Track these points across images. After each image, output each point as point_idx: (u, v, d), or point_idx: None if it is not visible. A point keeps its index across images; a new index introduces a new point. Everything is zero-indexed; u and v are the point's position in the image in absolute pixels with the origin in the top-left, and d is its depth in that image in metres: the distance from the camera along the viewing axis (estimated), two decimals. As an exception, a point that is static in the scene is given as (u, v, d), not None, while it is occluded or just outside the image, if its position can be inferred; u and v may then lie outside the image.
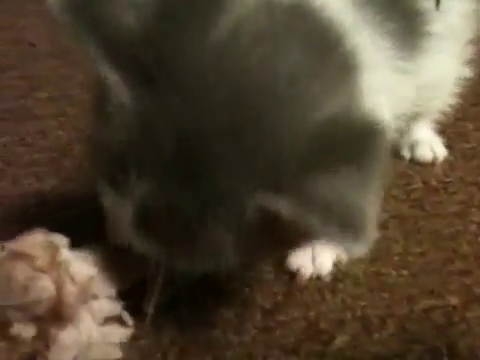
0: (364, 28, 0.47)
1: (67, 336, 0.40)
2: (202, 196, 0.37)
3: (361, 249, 0.36)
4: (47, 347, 0.40)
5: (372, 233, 0.37)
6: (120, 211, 0.40)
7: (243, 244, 0.39)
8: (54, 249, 0.41)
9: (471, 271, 0.53)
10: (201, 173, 0.37)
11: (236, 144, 0.37)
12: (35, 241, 0.41)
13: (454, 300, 0.50)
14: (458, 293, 0.50)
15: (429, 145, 0.72)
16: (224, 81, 0.38)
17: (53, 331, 0.40)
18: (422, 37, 0.55)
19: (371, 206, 0.38)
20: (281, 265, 0.52)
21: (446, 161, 0.72)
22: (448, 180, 0.68)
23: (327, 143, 0.38)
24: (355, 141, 0.39)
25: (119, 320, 0.44)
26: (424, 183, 0.67)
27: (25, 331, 0.40)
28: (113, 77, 0.38)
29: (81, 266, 0.41)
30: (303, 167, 0.37)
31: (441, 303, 0.49)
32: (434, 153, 0.72)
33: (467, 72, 0.66)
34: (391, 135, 0.54)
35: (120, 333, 0.44)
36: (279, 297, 0.49)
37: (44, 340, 0.40)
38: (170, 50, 0.38)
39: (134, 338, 0.44)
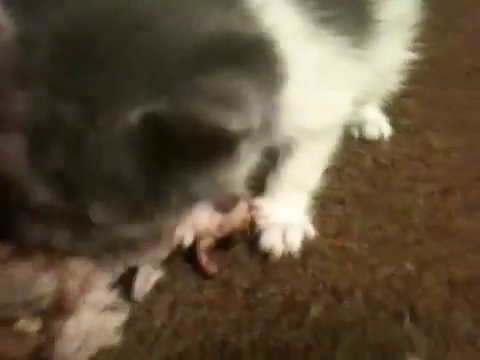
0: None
1: (71, 328, 0.43)
2: (88, 104, 0.38)
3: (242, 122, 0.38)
4: (52, 340, 0.43)
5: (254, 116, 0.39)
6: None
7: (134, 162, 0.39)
8: (53, 247, 0.43)
9: (423, 240, 0.59)
10: (87, 78, 0.38)
11: (123, 48, 0.38)
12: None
13: (411, 267, 0.56)
14: (413, 261, 0.56)
15: (376, 124, 0.78)
16: None
17: (57, 324, 0.43)
18: (373, 24, 0.58)
19: (254, 94, 0.40)
20: (255, 247, 0.56)
21: (392, 138, 0.77)
22: (395, 157, 0.74)
23: (212, 50, 0.40)
24: (244, 49, 0.42)
25: (113, 307, 0.47)
26: (374, 160, 0.73)
27: (30, 326, 0.42)
28: None
29: (79, 261, 0.44)
30: (187, 69, 0.39)
31: (399, 271, 0.55)
32: (381, 131, 0.78)
33: (411, 55, 0.72)
34: (348, 118, 0.60)
35: (115, 320, 0.47)
36: (256, 276, 0.54)
37: (49, 333, 0.43)
38: None
39: (128, 324, 0.47)
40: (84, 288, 0.44)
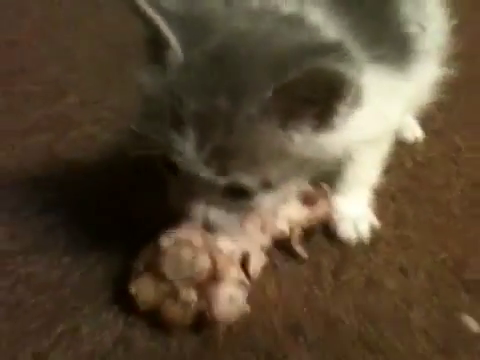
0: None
1: (222, 293, 0.56)
2: (234, 95, 0.51)
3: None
4: (210, 303, 0.56)
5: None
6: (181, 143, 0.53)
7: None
8: (205, 233, 0.56)
9: (465, 228, 0.72)
10: (231, 79, 0.52)
11: (251, 58, 0.52)
12: (192, 229, 0.56)
13: (458, 251, 0.69)
14: (460, 246, 0.70)
15: (411, 128, 0.91)
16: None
17: (212, 291, 0.56)
18: (414, 54, 0.69)
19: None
20: (332, 236, 0.69)
21: (424, 140, 0.91)
22: (430, 155, 0.87)
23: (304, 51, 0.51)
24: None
25: (241, 282, 0.59)
26: (413, 160, 0.86)
27: (190, 295, 0.56)
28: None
29: (225, 242, 0.57)
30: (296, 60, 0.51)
31: (451, 254, 0.68)
32: (415, 134, 0.91)
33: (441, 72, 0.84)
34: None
35: (242, 293, 0.58)
36: (338, 260, 0.67)
37: (206, 300, 0.56)
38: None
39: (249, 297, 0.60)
40: (228, 263, 0.57)
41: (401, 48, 0.68)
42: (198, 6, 0.58)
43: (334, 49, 0.51)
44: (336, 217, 0.70)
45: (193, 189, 0.56)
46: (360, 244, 0.69)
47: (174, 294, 0.56)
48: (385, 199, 0.77)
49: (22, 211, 0.72)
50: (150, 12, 0.54)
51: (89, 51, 1.14)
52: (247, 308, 0.58)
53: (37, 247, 0.67)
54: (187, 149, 0.53)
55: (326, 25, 0.59)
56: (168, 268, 0.56)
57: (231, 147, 0.52)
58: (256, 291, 0.62)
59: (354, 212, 0.71)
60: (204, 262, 0.56)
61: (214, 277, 0.56)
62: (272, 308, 0.60)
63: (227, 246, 0.58)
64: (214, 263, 0.56)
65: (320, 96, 0.52)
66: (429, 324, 0.59)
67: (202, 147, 0.53)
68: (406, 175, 0.82)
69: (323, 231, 0.70)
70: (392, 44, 0.66)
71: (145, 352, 0.56)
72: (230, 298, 0.56)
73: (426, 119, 0.95)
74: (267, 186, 0.56)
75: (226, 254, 0.57)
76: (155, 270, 0.57)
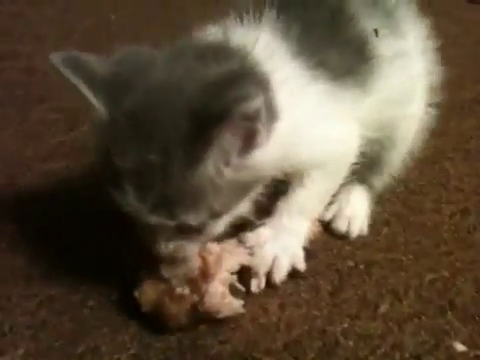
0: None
1: (213, 287, 0.63)
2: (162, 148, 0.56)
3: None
4: (203, 297, 0.63)
5: None
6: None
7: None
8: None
9: (452, 252, 0.78)
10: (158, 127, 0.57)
11: (169, 114, 0.56)
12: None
13: (446, 273, 0.75)
14: (447, 268, 0.75)
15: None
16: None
17: (203, 286, 0.63)
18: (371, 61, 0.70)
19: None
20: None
21: (416, 167, 0.96)
22: (421, 183, 0.93)
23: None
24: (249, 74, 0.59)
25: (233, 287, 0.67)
26: (405, 187, 0.92)
27: (184, 290, 0.63)
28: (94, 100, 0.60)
29: (213, 245, 0.65)
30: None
31: (438, 276, 0.74)
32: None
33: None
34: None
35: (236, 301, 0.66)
36: (335, 282, 0.73)
37: (199, 293, 0.63)
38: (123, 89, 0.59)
39: (252, 317, 0.66)
40: (218, 261, 0.64)
41: (355, 54, 0.69)
42: (126, 64, 0.62)
43: (238, 79, 0.55)
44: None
45: (150, 229, 0.60)
46: (355, 268, 0.75)
47: (171, 291, 0.63)
48: (379, 225, 0.83)
49: (41, 236, 0.79)
50: (73, 77, 0.60)
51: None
52: (242, 311, 0.65)
53: (57, 271, 0.73)
54: (130, 202, 0.58)
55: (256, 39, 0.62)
56: (164, 268, 0.63)
57: (171, 195, 0.57)
58: (260, 312, 0.68)
59: (280, 246, 0.70)
60: (195, 261, 0.64)
61: (205, 274, 0.63)
62: (275, 328, 0.66)
63: (215, 248, 0.65)
64: (205, 262, 0.64)
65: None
66: (418, 344, 0.64)
67: (144, 199, 0.57)
68: (399, 201, 0.88)
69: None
70: (343, 48, 0.67)
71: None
72: (221, 294, 0.63)
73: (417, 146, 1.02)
74: (216, 215, 0.61)
75: (214, 255, 0.64)
76: (154, 274, 0.64)
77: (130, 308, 0.66)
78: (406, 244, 0.80)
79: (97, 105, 0.60)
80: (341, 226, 0.80)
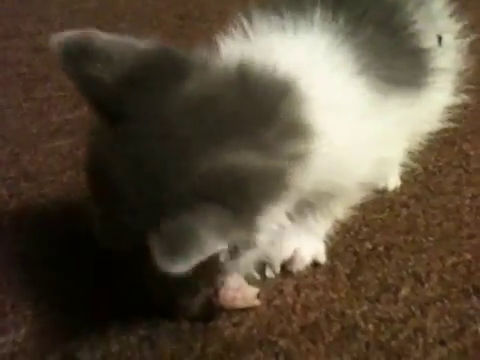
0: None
1: (228, 282, 0.59)
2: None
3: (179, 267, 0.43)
4: (217, 290, 0.59)
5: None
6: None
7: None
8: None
9: (475, 234, 0.75)
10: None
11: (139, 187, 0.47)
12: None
13: (468, 256, 0.71)
14: (470, 251, 0.72)
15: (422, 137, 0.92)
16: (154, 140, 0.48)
17: (218, 279, 0.58)
18: (430, 72, 0.64)
19: (214, 243, 0.45)
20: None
21: (434, 148, 0.93)
22: (440, 164, 0.90)
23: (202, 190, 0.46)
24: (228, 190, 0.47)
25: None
26: (424, 169, 0.88)
27: (200, 283, 0.57)
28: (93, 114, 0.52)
29: None
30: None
31: (461, 259, 0.71)
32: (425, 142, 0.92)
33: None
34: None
35: (252, 289, 0.62)
36: (353, 265, 0.69)
37: (215, 286, 0.58)
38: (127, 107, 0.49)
39: (267, 300, 0.63)
40: None
41: (414, 67, 0.63)
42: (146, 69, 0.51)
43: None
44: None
45: None
46: (374, 250, 0.71)
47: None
48: (396, 206, 0.79)
49: (44, 216, 0.75)
50: (73, 79, 0.51)
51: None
52: (257, 302, 0.61)
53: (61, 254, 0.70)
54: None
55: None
56: None
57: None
58: (274, 294, 0.64)
59: (303, 240, 0.66)
60: None
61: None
62: (290, 311, 0.63)
63: None
64: None
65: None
66: (442, 329, 0.61)
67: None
68: (417, 183, 0.85)
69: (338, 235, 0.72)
70: (405, 63, 0.61)
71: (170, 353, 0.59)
72: (238, 289, 0.60)
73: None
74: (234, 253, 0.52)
75: None
76: None
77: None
78: (426, 226, 0.76)
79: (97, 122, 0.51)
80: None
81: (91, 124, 0.55)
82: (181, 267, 0.42)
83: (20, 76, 1.12)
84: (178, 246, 0.43)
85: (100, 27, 1.32)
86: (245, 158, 0.48)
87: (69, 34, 0.51)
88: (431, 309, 0.63)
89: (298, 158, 0.51)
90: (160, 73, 0.50)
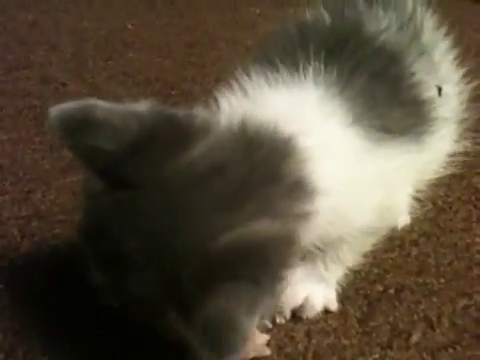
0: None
1: None
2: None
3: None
4: None
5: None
6: None
7: None
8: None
9: (486, 275, 0.75)
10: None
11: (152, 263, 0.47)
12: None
13: (479, 298, 0.71)
14: (481, 293, 0.72)
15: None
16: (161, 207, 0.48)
17: None
18: (430, 122, 0.65)
19: (250, 322, 0.45)
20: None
21: (444, 184, 0.93)
22: (450, 200, 0.90)
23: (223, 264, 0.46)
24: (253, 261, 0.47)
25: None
26: (433, 204, 0.88)
27: None
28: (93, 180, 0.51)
29: None
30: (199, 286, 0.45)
31: (472, 302, 0.71)
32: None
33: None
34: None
35: (262, 336, 0.62)
36: (364, 309, 0.69)
37: None
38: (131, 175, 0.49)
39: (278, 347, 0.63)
40: None
41: (414, 117, 0.64)
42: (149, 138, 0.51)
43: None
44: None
45: None
46: (385, 292, 0.71)
47: None
48: (407, 245, 0.79)
49: (58, 252, 0.76)
50: (74, 152, 0.52)
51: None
52: (267, 351, 0.61)
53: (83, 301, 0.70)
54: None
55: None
56: None
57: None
58: (285, 341, 0.64)
59: (314, 287, 0.67)
60: None
61: None
62: (302, 359, 0.63)
63: None
64: None
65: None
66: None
67: None
68: (427, 220, 0.85)
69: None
70: (403, 113, 0.62)
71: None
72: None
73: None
74: None
75: None
76: None
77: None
78: (437, 266, 0.76)
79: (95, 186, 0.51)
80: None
81: (87, 187, 0.54)
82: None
83: (31, 109, 1.13)
84: (222, 339, 0.43)
85: (110, 57, 1.35)
86: (261, 226, 0.48)
87: (67, 108, 0.51)
88: (443, 356, 0.63)
89: (304, 217, 0.51)
90: (164, 140, 0.50)
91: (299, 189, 0.51)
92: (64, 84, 1.22)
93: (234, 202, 0.48)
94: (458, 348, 0.64)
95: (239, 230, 0.47)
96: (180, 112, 0.53)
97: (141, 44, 1.45)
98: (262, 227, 0.48)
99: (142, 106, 0.53)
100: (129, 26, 1.56)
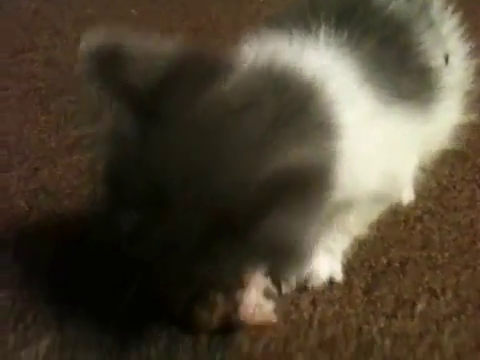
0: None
1: (247, 298, 0.59)
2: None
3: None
4: (236, 306, 0.59)
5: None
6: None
7: None
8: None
9: (489, 249, 0.76)
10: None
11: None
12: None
13: (482, 270, 0.72)
14: (486, 266, 0.73)
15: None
16: (202, 138, 0.48)
17: (238, 296, 0.59)
18: (436, 90, 0.65)
19: (312, 234, 0.49)
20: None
21: (448, 163, 0.93)
22: (454, 179, 0.90)
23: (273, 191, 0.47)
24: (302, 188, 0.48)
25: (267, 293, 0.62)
26: (438, 183, 0.89)
27: (218, 298, 0.59)
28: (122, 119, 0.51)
29: None
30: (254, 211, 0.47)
31: (476, 274, 0.71)
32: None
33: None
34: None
35: (269, 304, 0.62)
36: (369, 280, 0.70)
37: (233, 302, 0.59)
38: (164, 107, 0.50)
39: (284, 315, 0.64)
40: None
41: (421, 84, 0.64)
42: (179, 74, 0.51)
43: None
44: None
45: None
46: (389, 265, 0.72)
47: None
48: (412, 221, 0.80)
49: (65, 230, 0.76)
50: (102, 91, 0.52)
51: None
52: (274, 318, 0.61)
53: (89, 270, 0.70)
54: None
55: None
56: None
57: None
58: (291, 308, 0.65)
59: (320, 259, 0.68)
60: None
61: (242, 284, 0.59)
62: (307, 326, 0.63)
63: None
64: None
65: None
66: (459, 345, 0.62)
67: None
68: (431, 198, 0.85)
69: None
70: (411, 79, 0.62)
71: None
72: (256, 304, 0.60)
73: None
74: None
75: None
76: None
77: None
78: (441, 242, 0.77)
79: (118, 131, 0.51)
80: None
81: (109, 135, 0.54)
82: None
83: (36, 90, 1.13)
84: (293, 245, 0.47)
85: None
86: (299, 155, 0.48)
87: (99, 41, 0.53)
88: (447, 325, 0.64)
89: (335, 156, 0.52)
90: (192, 76, 0.51)
91: (328, 127, 0.52)
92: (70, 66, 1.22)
93: (270, 135, 0.48)
94: (462, 317, 0.65)
95: (280, 161, 0.47)
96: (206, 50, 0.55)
97: (145, 29, 1.45)
98: (301, 155, 0.48)
99: (168, 45, 0.54)
100: (133, 12, 1.56)
